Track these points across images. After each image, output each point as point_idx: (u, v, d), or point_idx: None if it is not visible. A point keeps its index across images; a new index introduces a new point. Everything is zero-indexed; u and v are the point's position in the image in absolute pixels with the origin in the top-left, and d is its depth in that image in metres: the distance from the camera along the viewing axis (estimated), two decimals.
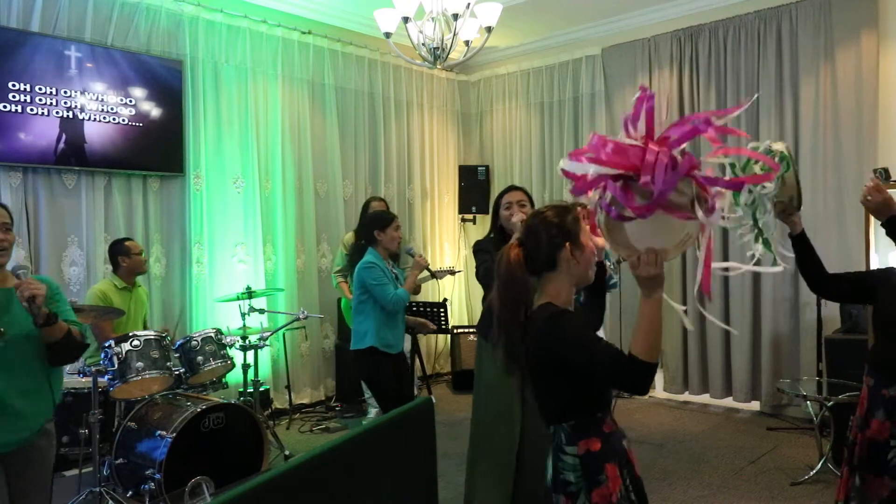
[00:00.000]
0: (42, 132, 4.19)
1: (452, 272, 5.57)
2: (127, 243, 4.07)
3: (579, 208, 1.86)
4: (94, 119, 4.41)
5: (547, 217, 1.80)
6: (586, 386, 1.72)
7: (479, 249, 3.16)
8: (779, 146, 2.11)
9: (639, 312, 1.60)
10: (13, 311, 2.16)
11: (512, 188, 3.20)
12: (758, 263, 1.97)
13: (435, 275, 4.24)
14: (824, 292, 2.62)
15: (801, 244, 2.54)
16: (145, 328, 4.14)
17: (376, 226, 3.60)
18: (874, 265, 3.64)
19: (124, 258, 4.01)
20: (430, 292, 6.51)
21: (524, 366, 1.77)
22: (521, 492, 2.89)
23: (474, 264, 3.18)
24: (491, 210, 3.31)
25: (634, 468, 1.82)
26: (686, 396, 5.60)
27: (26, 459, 2.19)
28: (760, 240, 2.07)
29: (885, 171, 3.96)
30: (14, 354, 2.13)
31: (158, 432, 3.37)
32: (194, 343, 3.95)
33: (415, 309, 4.86)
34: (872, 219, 3.77)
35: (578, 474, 1.68)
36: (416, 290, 3.75)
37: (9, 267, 2.24)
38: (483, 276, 3.01)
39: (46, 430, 2.27)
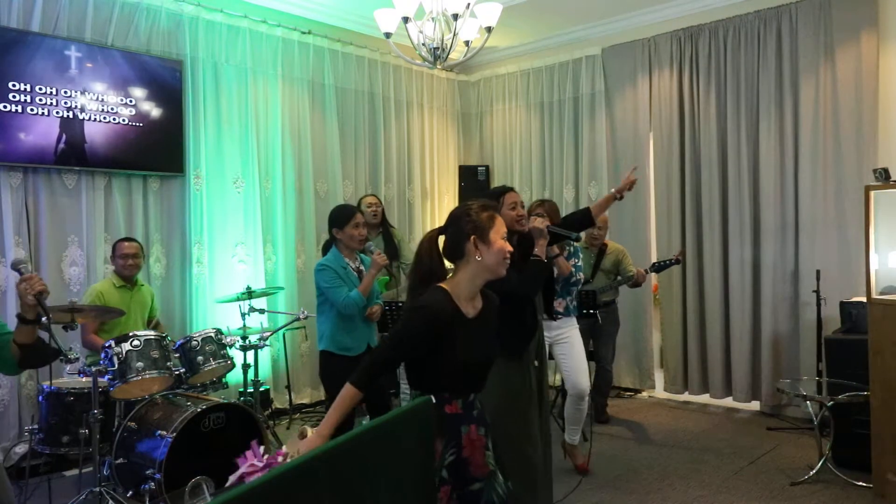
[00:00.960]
0: (42, 132, 4.19)
1: None
2: (118, 243, 4.11)
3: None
4: (94, 119, 4.41)
5: (468, 209, 2.03)
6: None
7: None
8: None
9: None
10: None
11: (510, 189, 3.24)
12: None
13: (393, 274, 4.17)
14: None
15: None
16: (155, 327, 4.14)
17: (334, 224, 3.44)
18: (874, 265, 3.63)
19: (113, 258, 4.09)
20: None
21: None
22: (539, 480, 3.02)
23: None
24: None
25: (462, 451, 1.99)
26: (686, 396, 5.60)
27: None
28: None
29: (885, 171, 3.94)
30: None
31: (158, 432, 3.37)
32: (194, 343, 3.95)
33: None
34: (872, 219, 3.76)
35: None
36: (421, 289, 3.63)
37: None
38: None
39: None
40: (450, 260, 2.04)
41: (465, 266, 2.00)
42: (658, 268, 4.96)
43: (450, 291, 1.98)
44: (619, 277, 4.91)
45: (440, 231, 2.06)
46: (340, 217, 3.46)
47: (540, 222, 3.11)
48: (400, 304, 4.30)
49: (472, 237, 1.97)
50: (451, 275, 2.05)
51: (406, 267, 3.84)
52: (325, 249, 3.58)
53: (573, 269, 3.72)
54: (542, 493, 3.17)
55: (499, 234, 2.00)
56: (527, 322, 3.09)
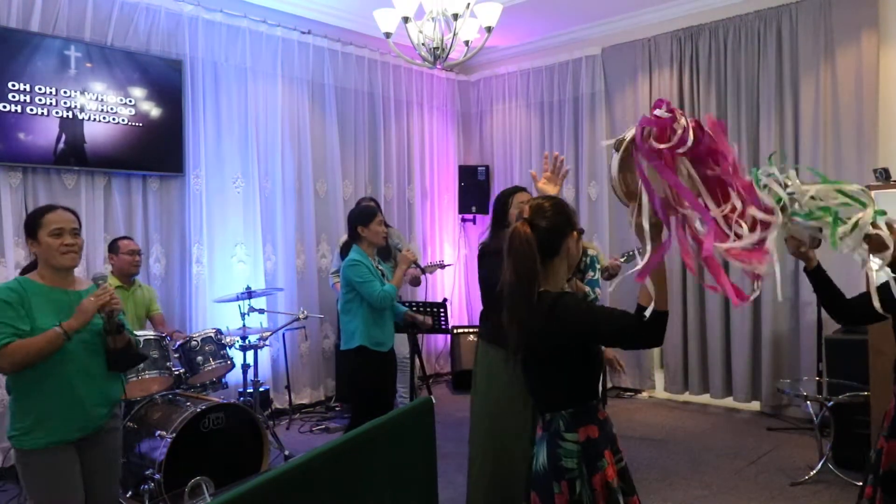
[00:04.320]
0: (42, 132, 4.19)
1: (442, 265, 5.56)
2: (119, 241, 4.07)
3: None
4: (94, 119, 4.40)
5: (557, 204, 1.86)
6: (587, 370, 1.76)
7: (489, 253, 3.05)
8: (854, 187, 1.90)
9: (647, 266, 1.55)
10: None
11: (521, 189, 3.20)
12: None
13: (424, 269, 4.22)
14: (849, 320, 2.49)
15: (818, 278, 2.40)
16: (156, 325, 4.13)
17: (359, 222, 3.53)
18: (874, 265, 3.63)
19: (113, 256, 4.03)
20: (430, 292, 6.50)
21: (523, 352, 1.81)
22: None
23: (478, 267, 3.11)
24: (493, 210, 3.25)
25: (623, 453, 1.85)
26: (686, 396, 5.60)
27: (97, 442, 2.37)
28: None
29: (885, 171, 3.95)
30: (85, 350, 2.30)
31: (158, 432, 3.37)
32: (194, 343, 3.95)
33: (414, 309, 4.85)
34: None
35: (578, 460, 1.71)
36: (417, 282, 3.68)
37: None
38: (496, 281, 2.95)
39: (115, 413, 2.48)
40: (543, 258, 1.80)
41: (560, 264, 1.83)
42: (628, 258, 4.82)
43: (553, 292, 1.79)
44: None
45: (531, 224, 1.81)
46: (364, 215, 3.56)
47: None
48: (417, 303, 4.31)
49: (574, 233, 1.85)
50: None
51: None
52: (345, 249, 3.63)
53: (588, 291, 3.44)
54: None
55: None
56: None
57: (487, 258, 3.05)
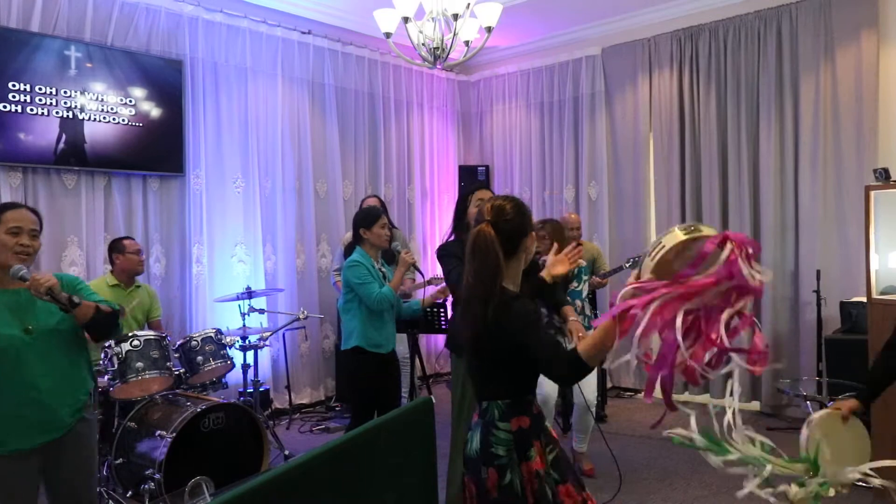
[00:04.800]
0: (42, 132, 4.19)
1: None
2: (124, 241, 4.06)
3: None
4: (94, 119, 4.40)
5: (517, 205, 1.91)
6: (527, 367, 1.81)
7: (447, 254, 3.07)
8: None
9: (601, 330, 1.61)
10: (36, 309, 2.27)
11: (482, 185, 3.21)
12: None
13: (422, 271, 4.22)
14: None
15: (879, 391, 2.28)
16: (152, 328, 4.13)
17: (362, 224, 3.52)
18: (874, 265, 3.63)
19: (118, 255, 4.00)
20: (429, 291, 6.49)
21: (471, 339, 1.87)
22: None
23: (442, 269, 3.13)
24: (455, 208, 3.27)
25: (557, 444, 1.90)
26: (686, 396, 5.59)
27: (65, 445, 2.28)
28: None
29: (885, 171, 3.94)
30: (44, 348, 2.24)
31: (158, 432, 3.37)
32: (194, 343, 3.95)
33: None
34: (872, 219, 3.76)
35: (508, 449, 1.79)
36: (407, 296, 3.67)
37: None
38: (457, 281, 2.86)
39: (85, 416, 2.37)
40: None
41: (516, 264, 1.91)
42: (634, 263, 4.84)
43: (511, 290, 1.88)
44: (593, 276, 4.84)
45: (494, 225, 1.86)
46: (368, 217, 3.55)
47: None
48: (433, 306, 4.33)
49: (532, 232, 1.92)
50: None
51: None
52: (348, 251, 3.62)
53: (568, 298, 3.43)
54: None
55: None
56: None
57: (448, 260, 3.07)
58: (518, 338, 1.76)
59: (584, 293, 3.93)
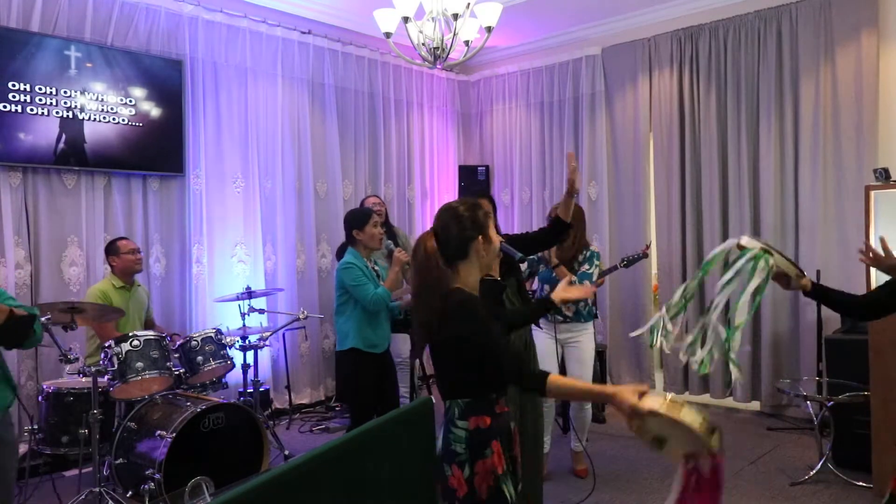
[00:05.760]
0: (42, 132, 4.19)
1: None
2: (118, 242, 4.07)
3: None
4: (94, 119, 4.40)
5: (460, 211, 1.98)
6: (481, 365, 1.86)
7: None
8: (750, 244, 2.06)
9: (587, 387, 1.87)
10: None
11: (483, 195, 3.34)
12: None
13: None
14: (871, 315, 2.43)
15: (820, 294, 2.38)
16: (148, 327, 4.14)
17: (354, 225, 3.51)
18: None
19: (114, 258, 4.02)
20: None
21: (427, 343, 1.96)
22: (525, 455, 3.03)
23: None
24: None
25: (516, 448, 1.97)
26: (686, 396, 5.59)
27: None
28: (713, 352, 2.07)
29: (885, 171, 3.95)
30: None
31: (158, 432, 3.37)
32: (194, 343, 3.95)
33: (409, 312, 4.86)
34: (872, 219, 3.77)
35: (465, 446, 1.85)
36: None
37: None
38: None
39: (6, 421, 2.31)
40: (450, 261, 1.96)
41: (469, 266, 1.97)
42: (628, 262, 4.80)
43: (467, 291, 1.94)
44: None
45: (434, 233, 1.98)
46: (359, 218, 3.54)
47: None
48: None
49: (480, 236, 1.96)
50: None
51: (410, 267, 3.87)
52: (340, 253, 3.61)
53: (575, 279, 3.43)
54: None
55: (493, 230, 2.03)
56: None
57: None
58: (459, 331, 1.84)
59: (595, 277, 3.91)
